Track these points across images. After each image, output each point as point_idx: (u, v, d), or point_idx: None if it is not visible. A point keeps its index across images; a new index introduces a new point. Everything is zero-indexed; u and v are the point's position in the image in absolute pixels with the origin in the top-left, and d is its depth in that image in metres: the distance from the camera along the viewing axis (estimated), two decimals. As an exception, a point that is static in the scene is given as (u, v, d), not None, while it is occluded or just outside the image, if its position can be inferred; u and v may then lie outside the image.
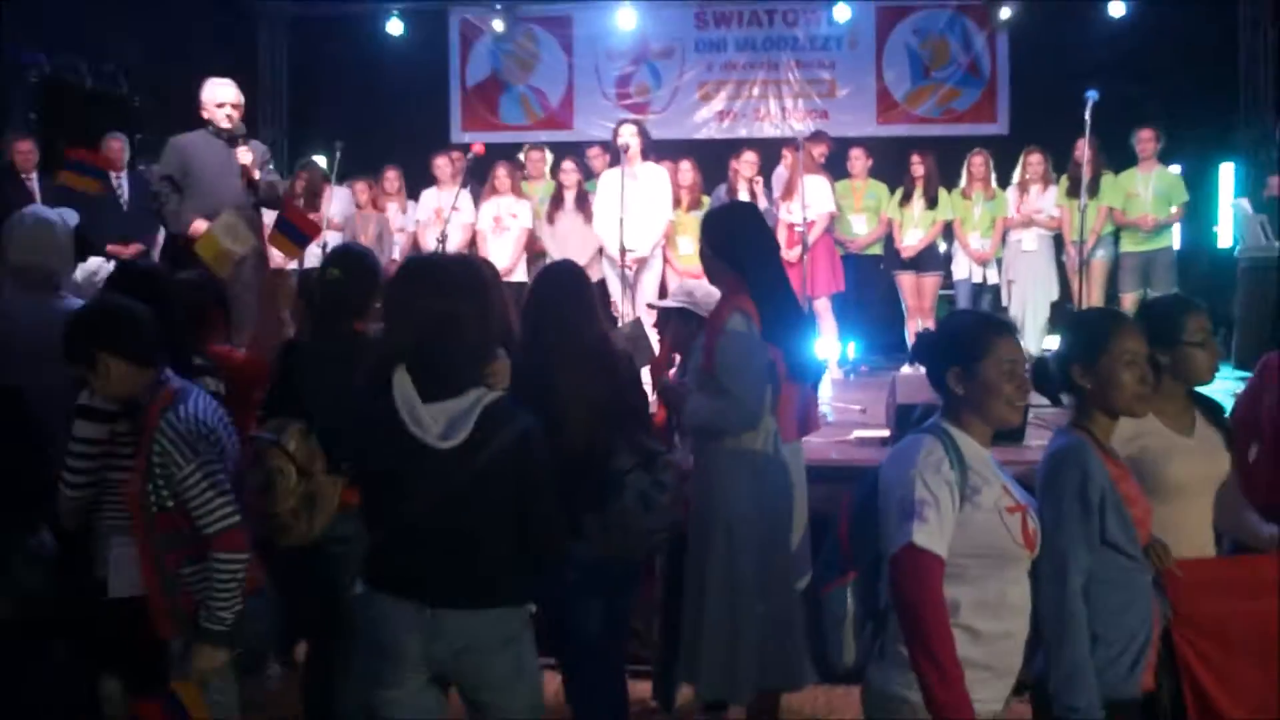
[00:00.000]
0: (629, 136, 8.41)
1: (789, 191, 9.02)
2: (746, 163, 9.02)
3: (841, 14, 11.38)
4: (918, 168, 9.51)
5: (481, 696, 3.29)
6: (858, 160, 9.76)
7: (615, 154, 8.53)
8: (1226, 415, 3.73)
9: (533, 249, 9.28)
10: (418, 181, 9.89)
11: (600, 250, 8.78)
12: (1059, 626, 3.06)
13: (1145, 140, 9.14)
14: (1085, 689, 3.05)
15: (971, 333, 3.10)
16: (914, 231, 9.48)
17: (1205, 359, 3.56)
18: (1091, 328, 3.31)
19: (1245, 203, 8.95)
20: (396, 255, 9.45)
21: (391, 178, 10.00)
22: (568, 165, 9.23)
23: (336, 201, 9.75)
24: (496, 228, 9.25)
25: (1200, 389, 3.70)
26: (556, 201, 9.15)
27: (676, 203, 8.92)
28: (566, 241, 8.82)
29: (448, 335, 3.17)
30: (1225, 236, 9.87)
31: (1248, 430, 3.97)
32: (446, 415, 3.15)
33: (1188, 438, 3.57)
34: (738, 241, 4.35)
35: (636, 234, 8.35)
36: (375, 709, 3.28)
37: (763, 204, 8.95)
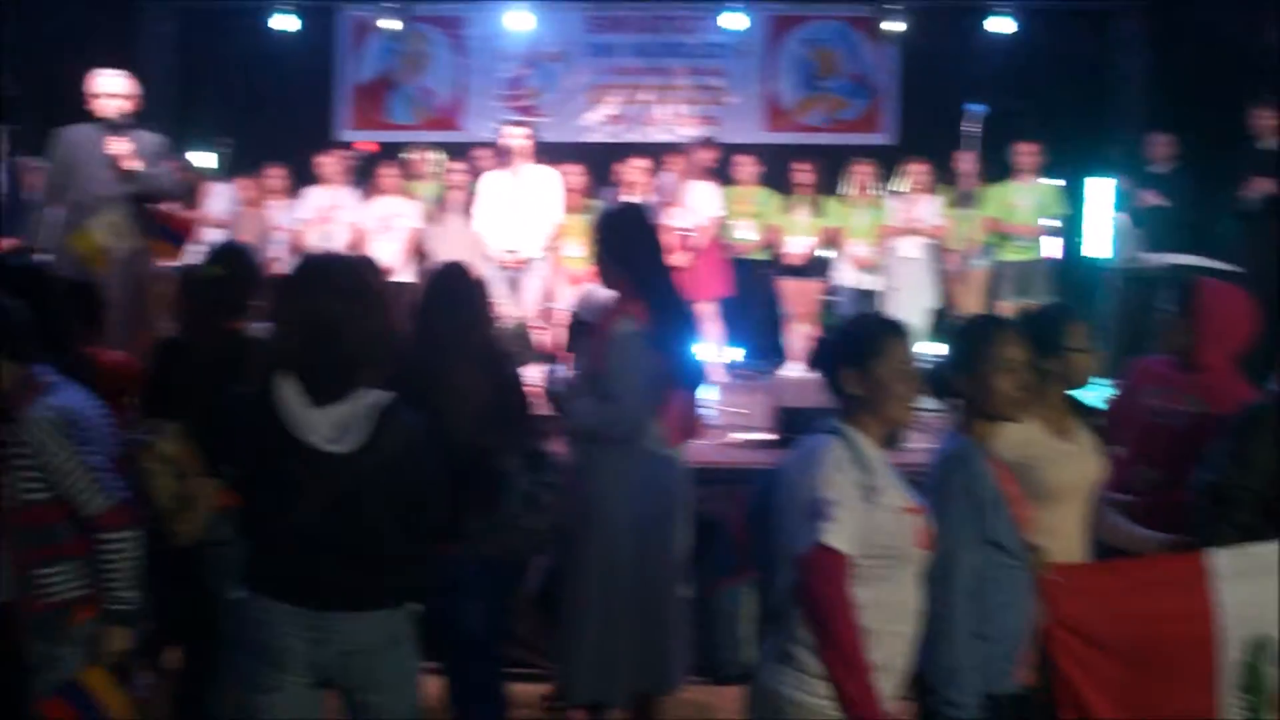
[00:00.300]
0: (515, 138, 8.38)
1: (676, 198, 9.06)
2: (635, 168, 9.05)
3: (733, 22, 11.45)
4: (802, 175, 9.65)
5: (368, 698, 3.26)
6: (745, 167, 9.86)
7: (503, 156, 8.50)
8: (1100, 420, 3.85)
9: (419, 250, 9.20)
10: (303, 180, 9.75)
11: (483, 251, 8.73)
12: (944, 624, 3.11)
13: (1025, 153, 9.39)
14: (967, 684, 3.11)
15: (867, 334, 3.15)
16: (798, 239, 9.60)
17: (1084, 364, 3.66)
18: (973, 335, 3.39)
19: (1126, 216, 9.20)
20: (279, 254, 9.30)
21: (274, 175, 9.82)
22: (455, 166, 9.17)
23: (218, 199, 9.57)
24: (382, 228, 9.15)
25: (1078, 395, 3.82)
26: (442, 202, 9.08)
27: (565, 206, 8.91)
28: (452, 243, 8.75)
29: (335, 337, 3.14)
30: (1095, 248, 10.13)
31: (1118, 434, 4.09)
32: (335, 419, 3.12)
33: (1068, 443, 3.66)
34: (629, 244, 4.38)
35: (522, 236, 8.32)
36: (253, 713, 3.23)
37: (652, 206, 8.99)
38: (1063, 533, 3.55)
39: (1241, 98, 9.20)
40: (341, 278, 3.25)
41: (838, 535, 2.90)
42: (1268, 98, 8.79)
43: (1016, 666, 3.28)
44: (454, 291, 4.25)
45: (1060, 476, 3.58)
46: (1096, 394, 4.16)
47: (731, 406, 7.44)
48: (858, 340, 3.14)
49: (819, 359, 3.21)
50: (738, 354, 9.35)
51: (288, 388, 3.13)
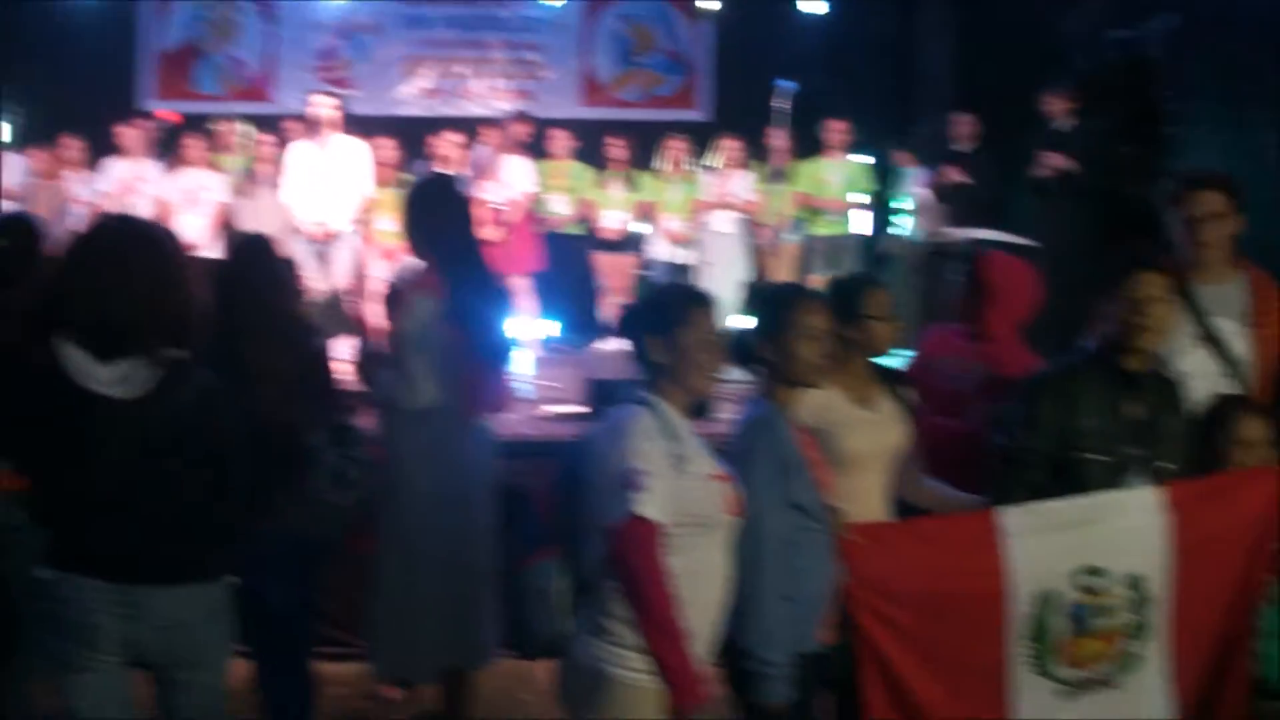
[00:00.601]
0: (324, 109, 8.22)
1: (490, 171, 9.01)
2: (447, 141, 8.96)
3: (550, -4, 11.43)
4: (617, 150, 9.70)
5: (180, 674, 3.18)
6: (560, 141, 9.85)
7: (311, 126, 8.33)
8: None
9: (227, 224, 8.95)
10: (103, 151, 9.38)
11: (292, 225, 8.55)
12: (754, 588, 3.17)
13: (835, 131, 9.62)
14: (779, 644, 3.19)
15: (672, 303, 3.19)
16: (613, 213, 9.65)
17: (884, 332, 3.75)
18: (775, 303, 3.45)
19: (927, 192, 9.48)
20: (78, 228, 8.91)
21: (70, 146, 9.41)
22: (265, 138, 8.95)
23: (9, 170, 9.14)
24: (188, 201, 8.86)
25: (886, 363, 3.92)
26: (251, 175, 8.85)
27: (376, 179, 8.78)
28: (261, 216, 8.53)
29: (123, 297, 3.03)
30: (903, 224, 10.42)
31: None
32: (120, 371, 3.01)
33: (869, 411, 3.75)
34: (430, 216, 4.35)
35: (331, 208, 8.18)
36: (64, 696, 3.12)
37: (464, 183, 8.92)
38: (862, 498, 3.64)
39: (1040, 81, 9.60)
40: (129, 239, 3.15)
41: (649, 504, 2.93)
42: (1058, 82, 9.19)
43: (819, 627, 3.37)
44: (254, 264, 4.15)
45: (858, 443, 3.67)
46: (898, 362, 4.29)
47: (545, 380, 7.44)
48: (663, 309, 3.18)
49: (625, 328, 3.23)
50: (553, 328, 9.35)
51: (67, 346, 3.01)
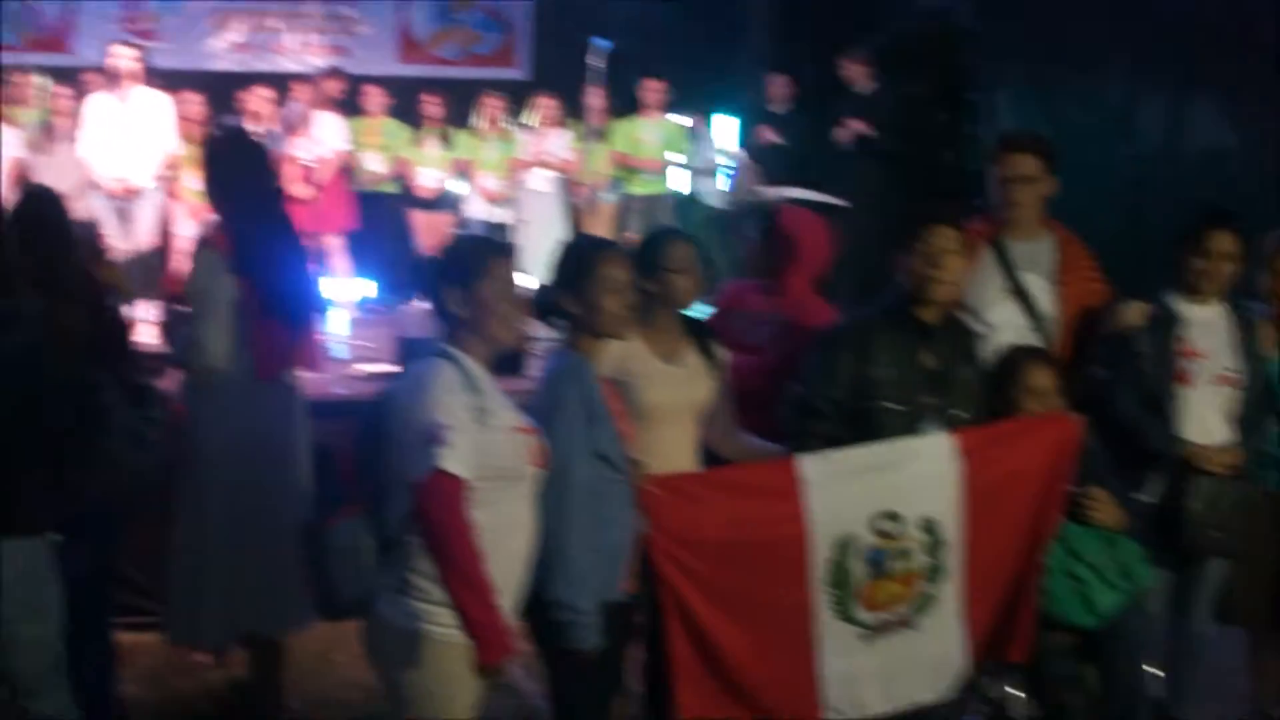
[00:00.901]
0: (124, 60, 7.92)
1: (301, 128, 8.83)
2: (257, 96, 8.74)
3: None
4: (431, 108, 9.60)
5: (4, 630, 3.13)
6: (374, 98, 9.70)
7: (111, 78, 8.03)
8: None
9: (23, 179, 8.56)
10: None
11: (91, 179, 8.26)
12: (561, 539, 3.19)
13: (652, 90, 9.66)
14: (587, 593, 3.21)
15: (469, 255, 3.17)
16: (429, 171, 9.56)
17: (684, 285, 3.77)
18: (578, 256, 3.46)
19: (743, 152, 9.61)
20: None
21: None
22: (61, 90, 8.58)
23: None
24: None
25: (696, 318, 3.97)
26: (48, 129, 8.47)
27: (183, 135, 8.52)
28: (59, 172, 8.20)
29: None
30: (725, 185, 10.55)
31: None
32: None
33: (673, 365, 3.79)
34: (225, 170, 4.27)
35: (132, 164, 7.91)
36: None
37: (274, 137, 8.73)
38: (666, 451, 3.67)
39: (854, 44, 9.80)
40: None
41: (453, 459, 2.91)
42: (857, 48, 9.41)
43: (622, 576, 3.41)
44: (40, 219, 4.01)
45: (661, 396, 3.71)
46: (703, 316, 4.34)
47: (360, 340, 7.35)
48: (461, 260, 3.15)
49: (424, 281, 3.21)
50: (368, 288, 9.22)
51: None
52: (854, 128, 8.94)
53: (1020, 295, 4.23)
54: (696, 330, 3.92)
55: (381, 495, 3.04)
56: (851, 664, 3.72)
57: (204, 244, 4.19)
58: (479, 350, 3.11)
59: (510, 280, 3.12)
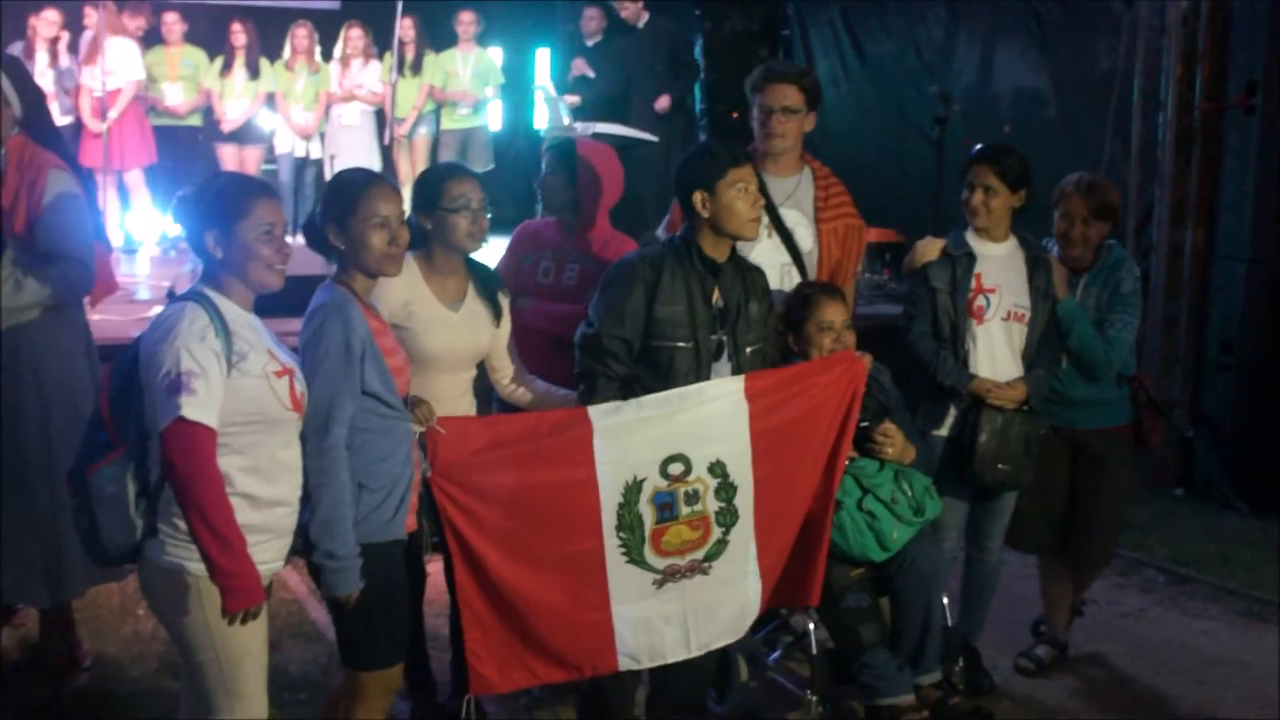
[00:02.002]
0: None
1: (91, 56, 8.44)
2: (46, 21, 8.31)
3: None
4: (238, 37, 9.26)
5: None
6: (173, 26, 9.30)
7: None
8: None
9: None
10: None
11: None
12: (319, 476, 3.12)
13: (465, 22, 9.50)
14: (343, 534, 3.14)
15: (229, 195, 3.04)
16: (235, 103, 9.24)
17: (463, 225, 3.66)
18: (343, 191, 3.33)
19: (549, 86, 9.51)
20: None
21: None
22: None
23: None
24: None
25: (481, 261, 3.89)
26: None
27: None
28: None
29: None
30: (539, 119, 10.46)
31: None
32: None
33: (453, 310, 3.72)
34: None
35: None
36: None
37: (65, 66, 8.34)
38: (441, 397, 3.60)
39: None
40: None
41: (197, 407, 2.82)
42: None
43: (401, 514, 3.34)
44: None
45: (439, 343, 3.65)
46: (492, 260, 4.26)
47: (163, 280, 7.14)
48: (219, 201, 3.02)
49: (182, 219, 3.07)
50: (171, 225, 8.91)
51: None
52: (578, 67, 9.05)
53: (781, 231, 4.23)
54: (481, 274, 3.85)
55: (140, 440, 2.95)
56: (645, 609, 3.71)
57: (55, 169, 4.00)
58: (239, 292, 3.02)
59: (272, 222, 3.01)
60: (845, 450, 3.87)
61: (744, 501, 3.75)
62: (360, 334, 3.19)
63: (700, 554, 3.74)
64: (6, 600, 4.20)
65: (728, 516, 3.74)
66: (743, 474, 3.73)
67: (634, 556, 3.67)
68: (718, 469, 3.70)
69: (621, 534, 3.65)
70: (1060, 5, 8.50)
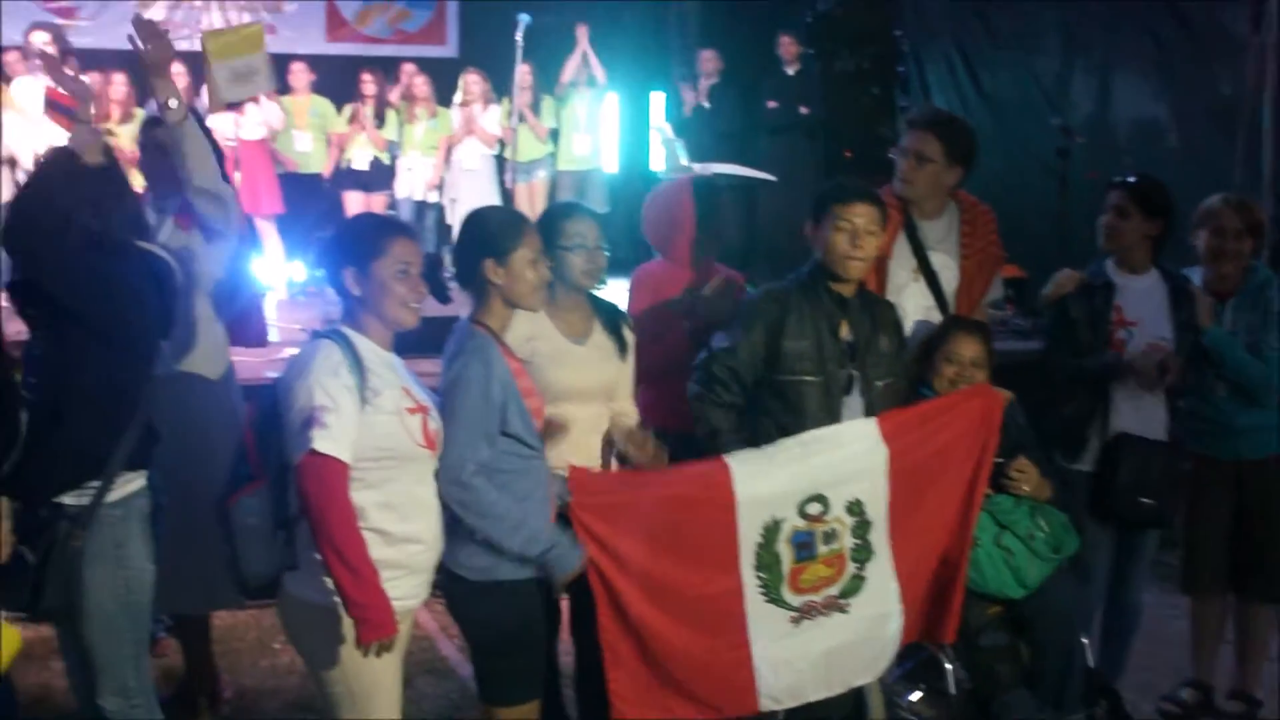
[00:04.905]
0: (40, 43, 7.76)
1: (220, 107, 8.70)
2: (173, 75, 8.55)
3: (289, -73, 11.03)
4: (368, 86, 9.49)
5: None
6: (300, 75, 9.55)
7: (30, 61, 7.87)
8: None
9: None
10: None
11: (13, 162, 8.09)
12: (472, 510, 3.19)
13: (582, 65, 9.66)
14: (535, 532, 3.25)
15: (367, 234, 3.12)
16: (361, 151, 9.46)
17: (579, 263, 3.70)
18: (500, 228, 3.39)
19: (668, 127, 9.58)
20: None
21: None
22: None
23: None
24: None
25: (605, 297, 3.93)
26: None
27: (106, 116, 8.36)
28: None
29: None
30: (655, 159, 10.54)
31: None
32: None
33: (578, 344, 3.74)
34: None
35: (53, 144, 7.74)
36: None
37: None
38: (571, 432, 3.61)
39: (781, 19, 9.81)
40: None
41: (329, 441, 2.88)
42: (791, 25, 9.44)
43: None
44: None
45: (566, 377, 3.66)
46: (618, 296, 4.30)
47: (293, 323, 7.31)
48: (357, 240, 3.11)
49: (322, 260, 3.16)
50: (297, 270, 9.13)
51: None
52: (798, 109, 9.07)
53: (928, 274, 4.19)
54: (605, 309, 3.88)
55: (281, 473, 3.03)
56: (785, 649, 3.69)
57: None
58: (376, 330, 3.09)
59: (408, 261, 3.07)
60: (983, 484, 3.82)
61: (880, 538, 3.73)
62: (502, 378, 3.24)
63: (835, 589, 3.73)
64: (164, 609, 4.30)
65: (863, 553, 3.72)
66: (879, 511, 3.72)
67: (772, 595, 3.67)
68: (855, 508, 3.69)
69: (760, 574, 3.65)
70: (1181, 31, 8.33)
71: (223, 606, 4.41)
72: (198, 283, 4.08)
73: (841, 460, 3.67)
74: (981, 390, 3.87)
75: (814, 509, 3.65)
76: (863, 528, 3.71)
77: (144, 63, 3.82)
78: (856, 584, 3.75)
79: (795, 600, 3.68)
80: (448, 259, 3.30)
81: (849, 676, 3.78)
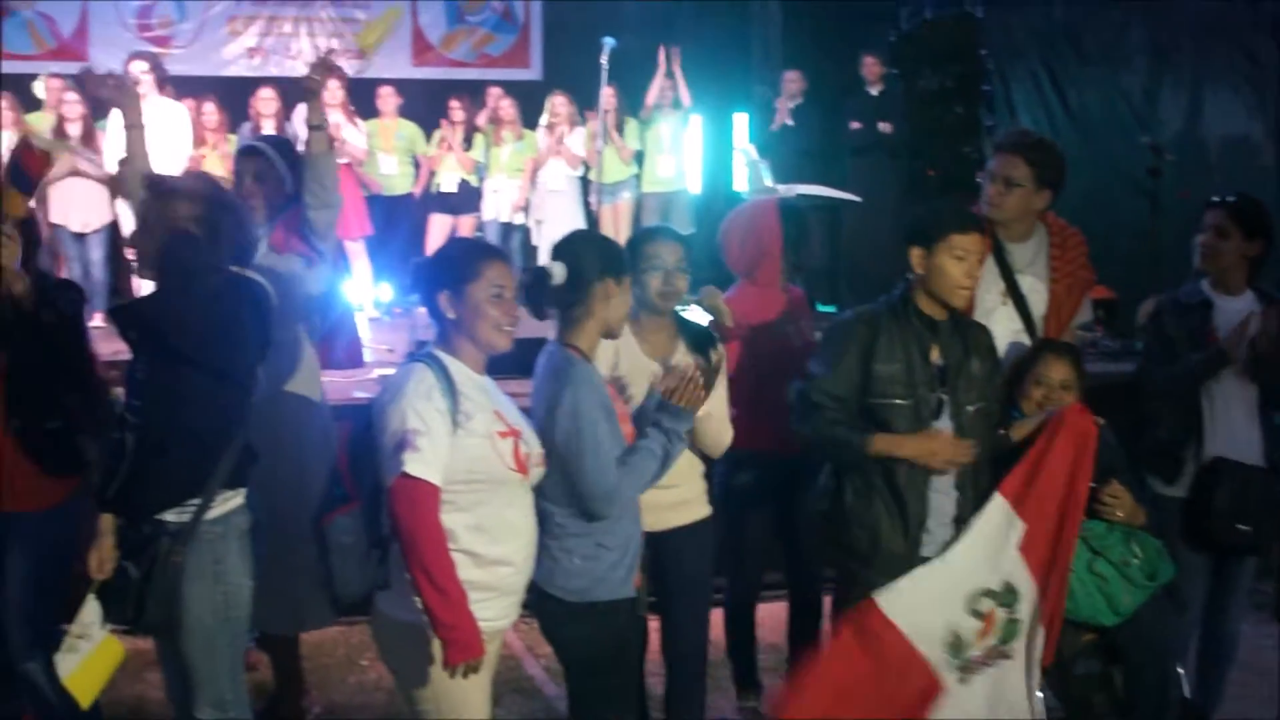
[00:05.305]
0: (138, 71, 7.95)
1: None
2: (263, 99, 8.75)
3: (374, -47, 11.21)
4: (457, 113, 9.59)
5: None
6: (387, 99, 9.69)
7: (129, 88, 8.05)
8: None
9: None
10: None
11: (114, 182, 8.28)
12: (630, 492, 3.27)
13: (666, 87, 9.67)
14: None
15: (462, 257, 3.17)
16: (449, 174, 9.57)
17: (654, 284, 3.76)
18: (615, 248, 3.50)
19: (752, 148, 9.58)
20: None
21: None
22: (70, 96, 8.59)
23: None
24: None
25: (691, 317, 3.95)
26: (59, 135, 8.48)
27: (200, 141, 8.55)
28: (72, 177, 8.32)
29: None
30: (739, 181, 10.53)
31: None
32: None
33: (662, 364, 3.72)
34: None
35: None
36: None
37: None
38: None
39: (865, 38, 9.79)
40: None
41: (421, 464, 2.92)
42: (874, 45, 9.41)
43: (633, 572, 3.40)
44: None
45: (641, 395, 3.62)
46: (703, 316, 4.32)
47: (381, 344, 7.42)
48: (451, 263, 3.15)
49: (417, 283, 3.20)
50: (385, 291, 9.25)
51: None
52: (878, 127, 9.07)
53: (1016, 298, 4.16)
54: (692, 331, 3.90)
55: (374, 494, 3.08)
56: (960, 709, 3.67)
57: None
58: (469, 353, 3.12)
59: (501, 284, 3.11)
60: (1078, 511, 3.73)
61: (1023, 579, 3.69)
62: (605, 404, 3.28)
63: (993, 639, 3.68)
64: (253, 626, 4.38)
65: (1008, 596, 3.68)
66: (1017, 562, 3.69)
67: (961, 666, 3.66)
68: (1009, 581, 3.69)
69: (950, 654, 3.64)
70: (1276, 45, 8.18)
71: (310, 628, 4.45)
72: (296, 306, 4.17)
73: (983, 546, 3.64)
74: (1073, 408, 3.79)
75: (986, 605, 3.62)
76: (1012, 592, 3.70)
77: (308, 88, 4.16)
78: (1012, 628, 3.70)
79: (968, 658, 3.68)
80: (560, 272, 3.31)
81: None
